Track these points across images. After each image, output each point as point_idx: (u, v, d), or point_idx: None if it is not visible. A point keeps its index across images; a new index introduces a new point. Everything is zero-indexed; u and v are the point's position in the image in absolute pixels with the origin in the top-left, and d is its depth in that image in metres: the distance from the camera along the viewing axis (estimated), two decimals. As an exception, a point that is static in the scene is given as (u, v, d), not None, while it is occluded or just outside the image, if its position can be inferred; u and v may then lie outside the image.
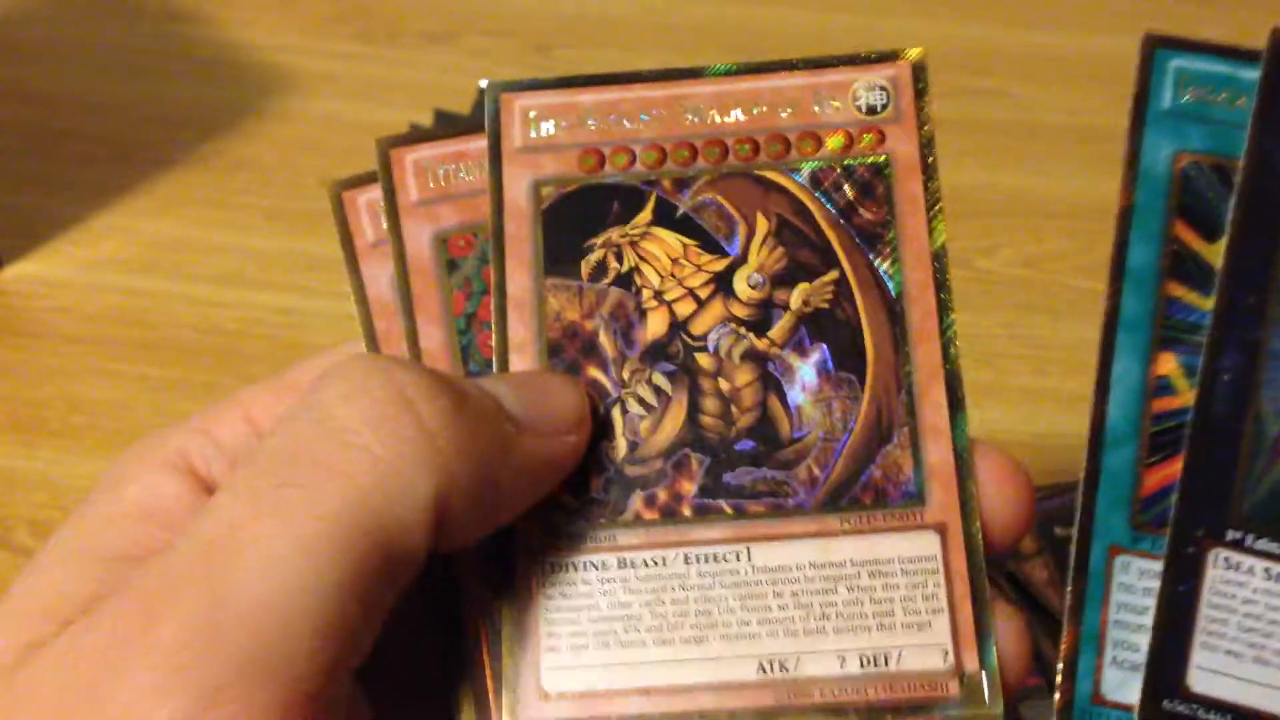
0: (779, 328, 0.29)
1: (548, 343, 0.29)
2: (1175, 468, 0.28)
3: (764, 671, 0.27)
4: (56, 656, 0.23)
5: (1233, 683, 0.27)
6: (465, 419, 0.25)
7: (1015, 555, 0.48)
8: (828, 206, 0.29)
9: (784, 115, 0.30)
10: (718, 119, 0.30)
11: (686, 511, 0.28)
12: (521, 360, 0.29)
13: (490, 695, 0.27)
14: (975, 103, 0.67)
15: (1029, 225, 0.63)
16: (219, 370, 0.58)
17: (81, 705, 0.22)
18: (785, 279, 0.29)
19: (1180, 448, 0.28)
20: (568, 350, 0.29)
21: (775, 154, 0.30)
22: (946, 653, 0.27)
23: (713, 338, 0.29)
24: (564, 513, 0.28)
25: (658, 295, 0.29)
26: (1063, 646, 0.28)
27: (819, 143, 0.30)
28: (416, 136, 0.30)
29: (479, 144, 0.30)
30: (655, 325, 0.29)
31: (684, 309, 0.29)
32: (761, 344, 0.29)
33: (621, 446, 0.28)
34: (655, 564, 0.28)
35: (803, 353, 0.29)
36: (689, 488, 0.28)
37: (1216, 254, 0.29)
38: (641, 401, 0.29)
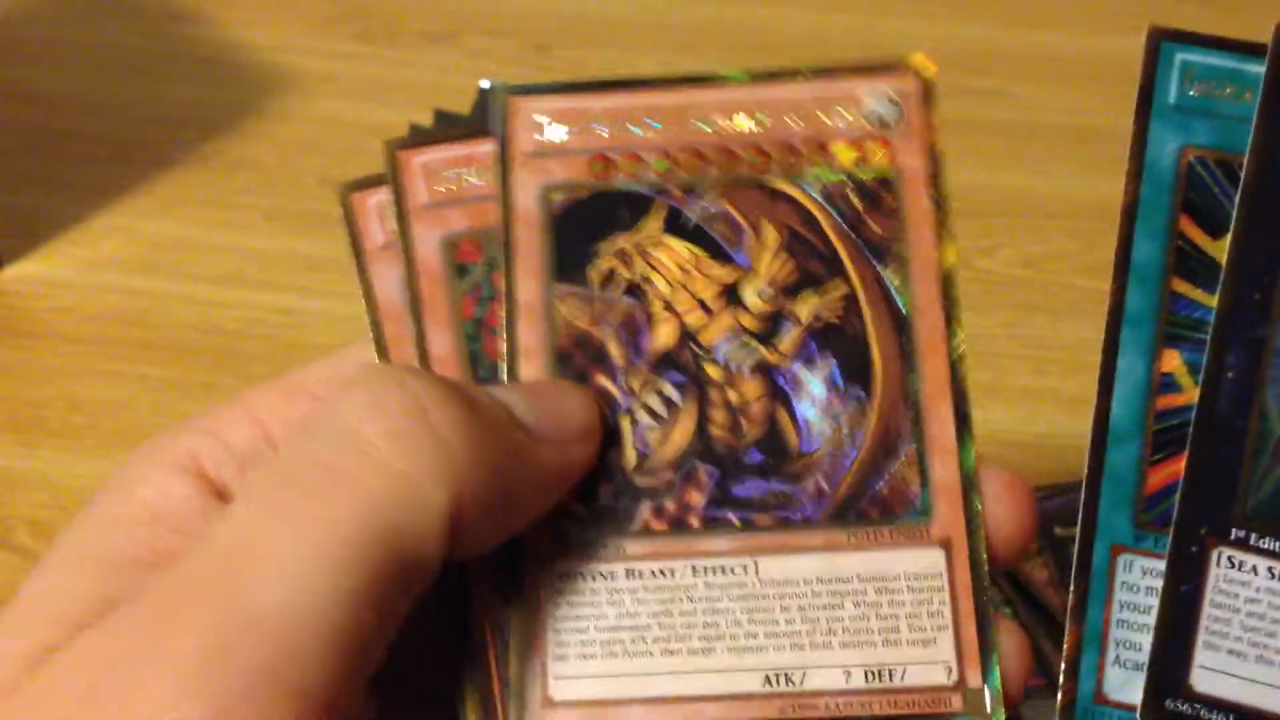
0: (787, 340, 0.29)
1: (556, 350, 0.29)
2: (1179, 466, 0.28)
3: (770, 684, 0.27)
4: (70, 663, 0.23)
5: (1236, 682, 0.27)
6: (479, 429, 0.25)
7: (1016, 555, 0.48)
8: (836, 218, 0.29)
9: (792, 124, 0.30)
10: (727, 127, 0.30)
11: (695, 523, 0.28)
12: (530, 367, 0.29)
13: (497, 703, 0.27)
14: (975, 103, 0.67)
15: (1029, 225, 0.63)
16: (219, 370, 0.58)
17: (96, 713, 0.22)
18: (794, 290, 0.29)
19: (1184, 445, 0.28)
20: (576, 358, 0.29)
21: (784, 163, 0.30)
22: (950, 668, 0.27)
23: (721, 348, 0.29)
24: (573, 521, 0.28)
25: (667, 304, 0.29)
26: (1065, 646, 0.28)
27: (827, 153, 0.30)
28: (424, 139, 0.30)
29: (487, 148, 0.30)
30: (664, 335, 0.29)
31: (693, 319, 0.29)
32: (770, 356, 0.29)
33: (630, 456, 0.28)
34: (663, 575, 0.28)
35: (811, 365, 0.29)
36: (697, 499, 0.28)
37: (1221, 250, 0.29)
38: (650, 411, 0.29)
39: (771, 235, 0.29)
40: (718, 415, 0.29)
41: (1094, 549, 0.28)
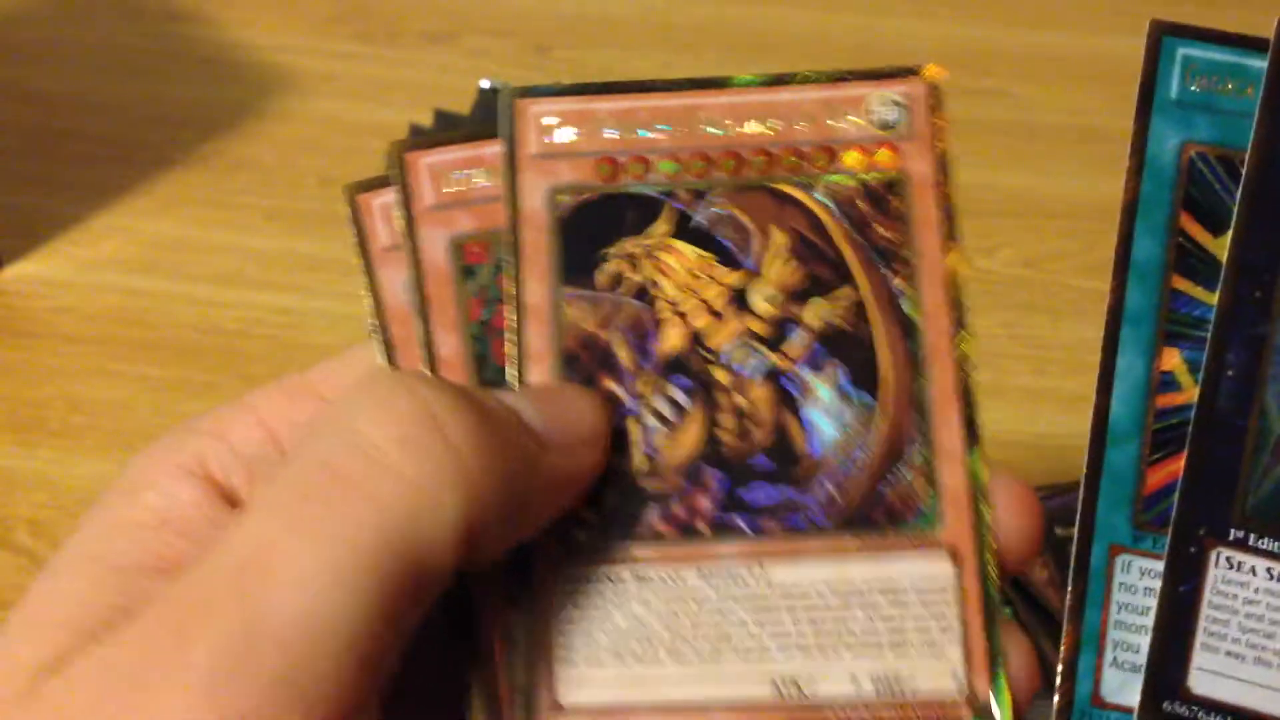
0: (795, 344, 0.29)
1: (564, 353, 0.29)
2: (1178, 465, 0.28)
3: (777, 690, 0.27)
4: (83, 673, 0.23)
5: (1234, 684, 0.27)
6: (490, 436, 0.25)
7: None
8: (844, 222, 0.29)
9: (800, 128, 0.30)
10: (735, 130, 0.30)
11: (703, 527, 0.28)
12: (538, 370, 0.29)
13: (504, 707, 0.27)
14: (975, 103, 0.67)
15: (1029, 225, 0.63)
16: (219, 370, 0.58)
17: None
18: (802, 295, 0.29)
19: (1183, 445, 0.28)
20: (584, 361, 0.29)
21: (791, 167, 0.30)
22: (958, 677, 0.27)
23: (729, 352, 0.29)
24: (581, 526, 0.28)
25: (675, 308, 0.29)
26: (1062, 647, 0.28)
27: (834, 157, 0.30)
28: (431, 140, 0.30)
29: (495, 149, 0.30)
30: (672, 338, 0.29)
31: (700, 322, 0.29)
32: (777, 360, 0.29)
33: (638, 460, 0.28)
34: (671, 580, 0.28)
35: (819, 371, 0.29)
36: (705, 504, 0.28)
37: (1222, 247, 0.29)
38: (658, 415, 0.29)
39: (779, 240, 0.29)
40: (726, 420, 0.29)
41: (1092, 549, 0.28)
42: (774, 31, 0.71)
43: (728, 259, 0.29)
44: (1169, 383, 0.28)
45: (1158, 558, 0.28)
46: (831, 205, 0.29)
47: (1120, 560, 0.28)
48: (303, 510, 0.23)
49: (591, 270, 0.29)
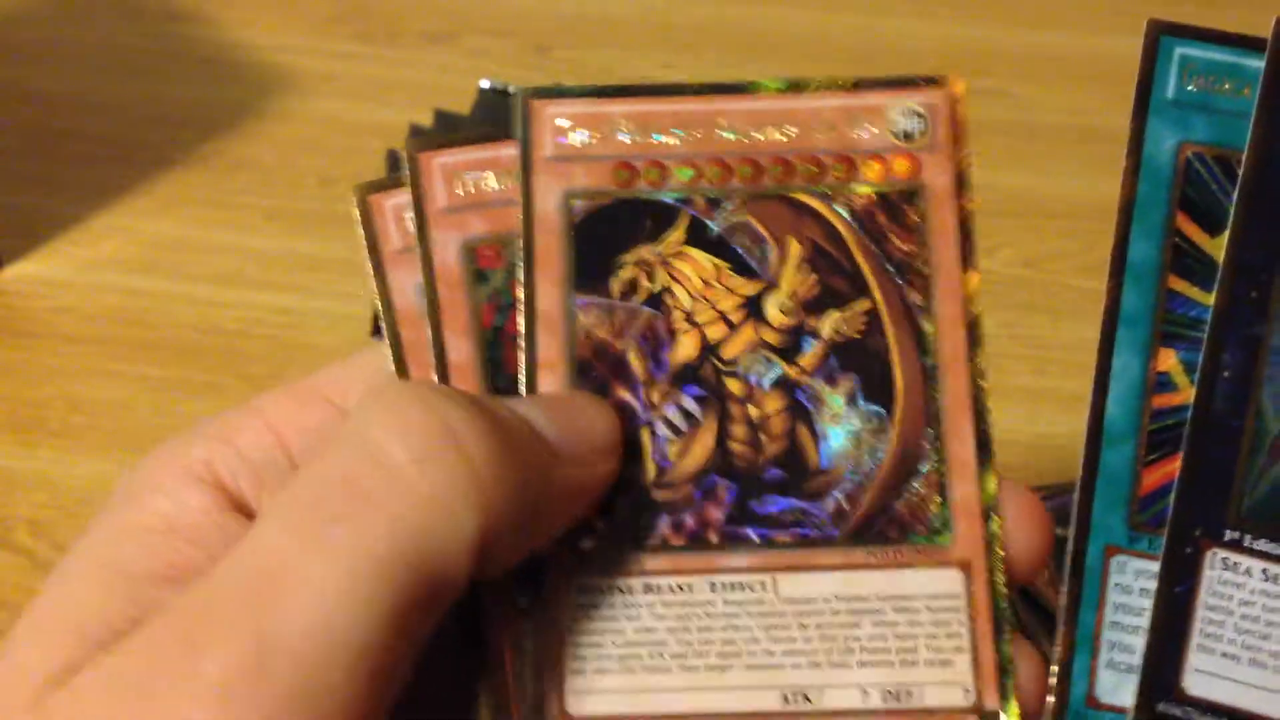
0: (809, 355, 0.29)
1: (577, 361, 0.28)
2: (1174, 466, 0.28)
3: (787, 702, 0.27)
4: (91, 683, 0.22)
5: (1229, 685, 0.27)
6: (504, 448, 0.24)
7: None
8: (860, 233, 0.29)
9: (819, 137, 0.29)
10: (754, 137, 0.29)
11: (714, 538, 0.28)
12: (551, 378, 0.28)
13: (513, 716, 0.27)
14: (975, 103, 0.67)
15: (1029, 225, 0.63)
16: (219, 370, 0.58)
17: None
18: (816, 306, 0.29)
19: (1179, 445, 0.28)
20: (596, 369, 0.29)
21: (809, 176, 0.29)
22: (968, 690, 0.27)
23: (743, 363, 0.29)
24: (591, 535, 0.28)
25: (688, 317, 0.29)
26: (1057, 648, 0.28)
27: (853, 167, 0.29)
28: (444, 141, 0.29)
29: (508, 151, 0.30)
30: (686, 348, 0.29)
31: (715, 332, 0.29)
32: (791, 371, 0.29)
33: (650, 470, 0.28)
34: (681, 590, 0.28)
35: (832, 382, 0.29)
36: (716, 515, 0.28)
37: (1219, 248, 0.28)
38: (670, 425, 0.28)
39: (795, 249, 0.29)
40: (738, 430, 0.28)
41: (1088, 550, 0.28)
42: (774, 31, 0.71)
43: (743, 268, 0.29)
44: (1165, 383, 0.28)
45: (1153, 558, 0.28)
46: (848, 216, 0.29)
47: (1116, 561, 0.28)
48: (316, 522, 0.23)
49: (605, 277, 0.29)
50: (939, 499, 0.28)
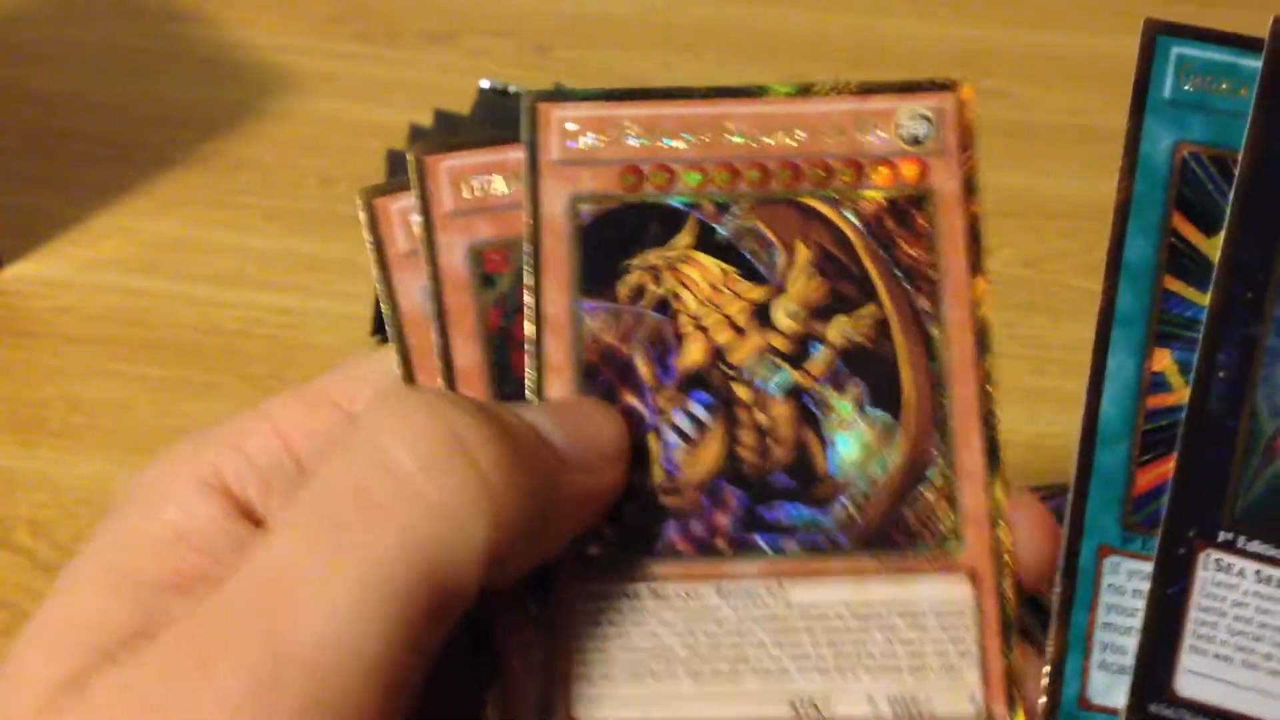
0: (817, 361, 0.28)
1: (584, 366, 0.28)
2: (1168, 466, 0.28)
3: (795, 710, 0.27)
4: (103, 696, 0.22)
5: (1221, 687, 0.27)
6: (514, 456, 0.24)
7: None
8: (869, 238, 0.29)
9: (828, 141, 0.29)
10: (762, 141, 0.29)
11: (721, 545, 0.28)
12: (558, 383, 0.28)
13: None
14: (975, 103, 0.67)
15: (1029, 225, 0.63)
16: (219, 370, 0.58)
17: None
18: (824, 311, 0.29)
19: (1173, 446, 0.28)
20: (604, 374, 0.28)
21: (817, 181, 0.29)
22: (976, 699, 0.27)
23: (750, 368, 0.29)
24: (599, 542, 0.28)
25: (696, 322, 0.29)
26: (1049, 648, 0.27)
27: (861, 171, 0.29)
28: (451, 144, 0.29)
29: (515, 154, 0.29)
30: (693, 353, 0.29)
31: (722, 337, 0.29)
32: (799, 377, 0.28)
33: (658, 476, 0.28)
34: (689, 597, 0.27)
35: (840, 388, 0.28)
36: (724, 521, 0.28)
37: (1214, 248, 0.28)
38: (678, 431, 0.28)
39: (803, 254, 0.29)
40: (746, 437, 0.28)
41: (1081, 550, 0.28)
42: (774, 31, 0.71)
43: (751, 273, 0.29)
44: (1160, 384, 0.28)
45: (1147, 559, 0.28)
46: (857, 221, 0.29)
47: (1109, 561, 0.28)
48: (327, 533, 0.23)
49: (613, 281, 0.29)
50: (948, 507, 0.28)
